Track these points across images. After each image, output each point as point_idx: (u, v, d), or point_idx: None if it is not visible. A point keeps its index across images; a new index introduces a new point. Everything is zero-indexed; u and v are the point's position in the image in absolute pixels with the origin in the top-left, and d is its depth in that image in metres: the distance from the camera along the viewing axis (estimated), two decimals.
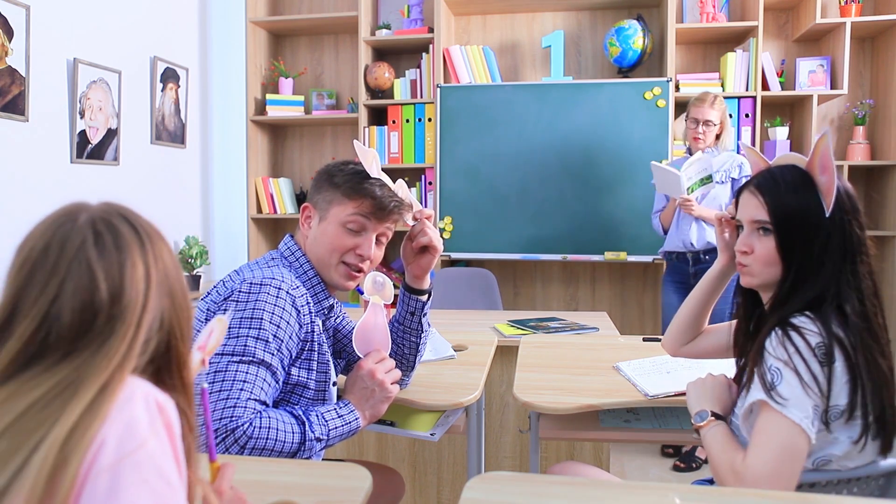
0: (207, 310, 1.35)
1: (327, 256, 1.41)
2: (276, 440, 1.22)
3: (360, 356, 1.44)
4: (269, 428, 1.21)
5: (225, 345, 1.24)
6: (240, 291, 1.30)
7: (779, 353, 1.10)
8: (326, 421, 1.31)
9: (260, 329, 1.26)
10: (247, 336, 1.25)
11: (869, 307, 1.15)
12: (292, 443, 1.24)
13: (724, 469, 1.13)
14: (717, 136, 2.96)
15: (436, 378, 1.72)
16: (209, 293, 1.39)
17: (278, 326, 1.28)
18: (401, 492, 1.74)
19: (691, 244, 2.97)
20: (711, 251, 2.99)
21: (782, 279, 1.19)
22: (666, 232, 3.05)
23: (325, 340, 1.44)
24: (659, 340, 2.13)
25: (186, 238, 3.51)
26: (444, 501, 2.45)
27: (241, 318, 1.27)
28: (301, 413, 1.29)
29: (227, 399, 1.20)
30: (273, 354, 1.27)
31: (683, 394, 1.55)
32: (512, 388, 1.65)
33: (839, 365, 1.09)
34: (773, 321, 1.16)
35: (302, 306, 1.34)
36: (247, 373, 1.23)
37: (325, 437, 1.30)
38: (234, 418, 1.19)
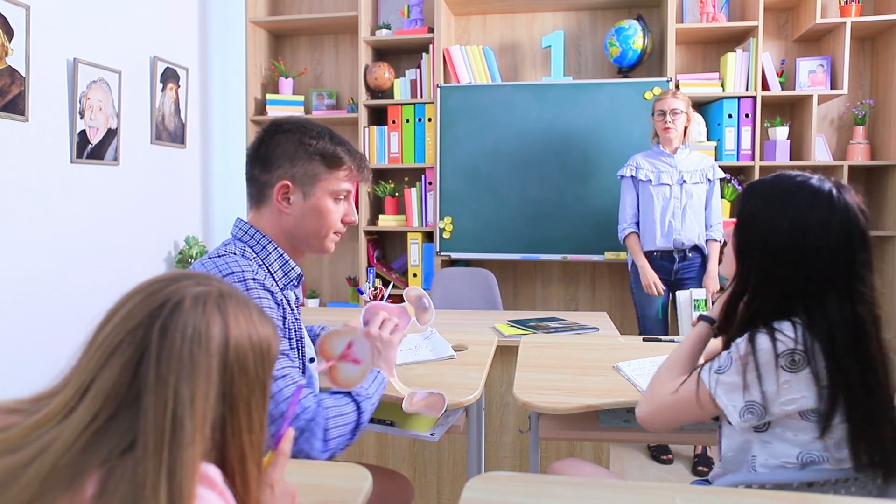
0: None
1: (324, 230, 1.38)
2: (341, 420, 1.23)
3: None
4: (335, 415, 1.22)
5: None
6: None
7: (740, 349, 1.13)
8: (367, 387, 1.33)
9: None
10: None
11: (839, 350, 1.09)
12: (352, 413, 1.25)
13: (643, 393, 1.32)
14: (685, 132, 3.05)
15: (436, 378, 1.72)
16: None
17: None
18: (409, 498, 1.74)
19: (682, 243, 3.00)
20: (694, 248, 3.03)
21: (735, 277, 1.22)
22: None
23: (298, 315, 1.40)
24: (659, 341, 2.14)
25: (186, 238, 3.51)
26: (444, 501, 2.45)
27: None
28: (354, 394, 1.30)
29: (285, 399, 1.18)
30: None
31: None
32: (512, 388, 1.65)
33: (813, 371, 1.08)
34: (745, 324, 1.17)
35: (272, 286, 1.29)
36: (278, 377, 1.20)
37: (370, 396, 1.31)
38: (304, 410, 1.18)
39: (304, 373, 1.40)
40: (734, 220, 1.26)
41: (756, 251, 1.16)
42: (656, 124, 3.04)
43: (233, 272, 1.24)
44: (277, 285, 1.35)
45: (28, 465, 0.63)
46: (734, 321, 1.20)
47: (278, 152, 1.34)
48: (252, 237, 1.37)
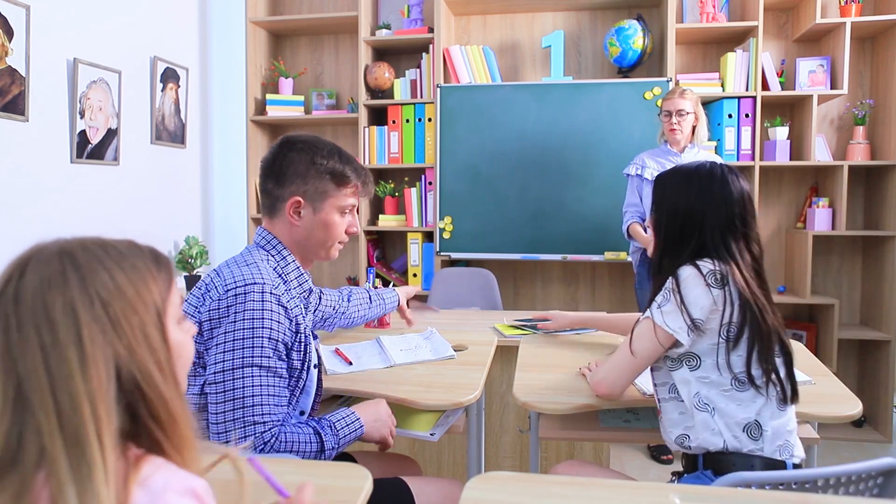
0: (199, 322, 1.35)
1: (329, 242, 1.49)
2: (296, 452, 1.31)
3: None
4: (290, 442, 1.31)
5: (224, 359, 1.29)
6: (227, 301, 1.32)
7: (670, 283, 1.43)
8: (338, 431, 1.39)
9: (254, 337, 1.30)
10: (243, 347, 1.29)
11: (745, 272, 1.43)
12: (309, 452, 1.33)
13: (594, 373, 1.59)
14: (693, 131, 3.01)
15: (436, 378, 1.72)
16: (192, 295, 1.41)
17: (271, 329, 1.32)
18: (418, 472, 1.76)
19: None
20: None
21: (656, 245, 1.55)
22: (629, 236, 3.12)
23: (308, 324, 1.48)
24: None
25: (186, 238, 3.51)
26: None
27: (235, 328, 1.30)
28: (316, 425, 1.36)
29: (243, 418, 1.27)
30: (271, 357, 1.32)
31: None
32: (512, 388, 1.65)
33: (729, 291, 1.38)
34: (670, 269, 1.46)
35: (287, 301, 1.38)
36: (257, 385, 1.29)
37: (336, 447, 1.38)
38: (256, 436, 1.27)
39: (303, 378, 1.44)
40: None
41: (671, 220, 1.50)
42: (663, 124, 3.02)
43: (255, 283, 1.33)
44: (293, 293, 1.44)
45: None
46: (662, 273, 1.49)
47: (291, 170, 1.44)
48: (274, 247, 1.47)
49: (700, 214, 1.46)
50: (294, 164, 1.44)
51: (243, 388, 1.28)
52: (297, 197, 1.44)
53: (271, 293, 1.33)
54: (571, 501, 0.97)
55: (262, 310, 1.31)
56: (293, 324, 1.38)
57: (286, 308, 1.36)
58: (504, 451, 2.49)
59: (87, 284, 0.68)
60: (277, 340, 1.33)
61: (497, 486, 1.01)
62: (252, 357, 1.29)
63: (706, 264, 1.41)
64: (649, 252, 2.89)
